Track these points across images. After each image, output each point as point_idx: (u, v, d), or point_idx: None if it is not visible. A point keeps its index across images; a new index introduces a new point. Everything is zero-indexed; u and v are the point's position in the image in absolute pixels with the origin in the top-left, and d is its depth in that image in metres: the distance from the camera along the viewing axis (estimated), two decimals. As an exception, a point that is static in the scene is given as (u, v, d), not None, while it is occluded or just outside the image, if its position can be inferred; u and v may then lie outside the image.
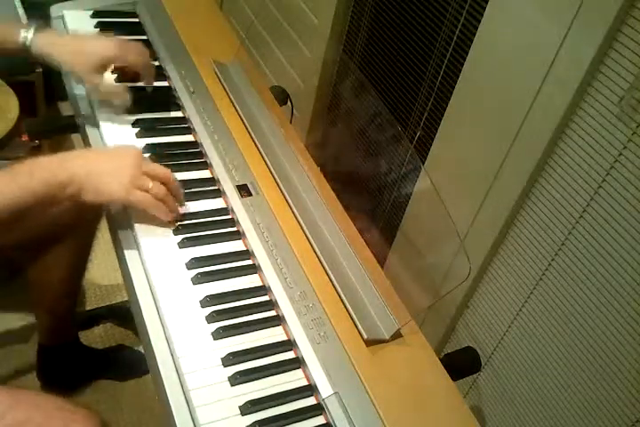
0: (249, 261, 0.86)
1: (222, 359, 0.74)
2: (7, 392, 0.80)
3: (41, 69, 1.71)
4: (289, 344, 0.78)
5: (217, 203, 0.92)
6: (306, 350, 0.76)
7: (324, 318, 0.79)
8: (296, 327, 0.78)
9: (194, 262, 0.83)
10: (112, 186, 0.80)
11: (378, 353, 0.78)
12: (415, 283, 1.11)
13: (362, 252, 0.90)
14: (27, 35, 0.92)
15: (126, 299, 1.58)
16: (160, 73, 1.10)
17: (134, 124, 0.99)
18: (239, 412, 0.70)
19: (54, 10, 1.17)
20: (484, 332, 1.06)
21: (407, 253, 1.20)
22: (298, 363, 0.76)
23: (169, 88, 1.09)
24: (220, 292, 0.80)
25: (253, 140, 1.00)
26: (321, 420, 0.72)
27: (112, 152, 0.88)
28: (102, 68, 0.95)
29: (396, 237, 1.23)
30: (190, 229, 0.86)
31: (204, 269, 0.82)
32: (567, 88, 0.79)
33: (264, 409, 0.71)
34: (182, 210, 0.88)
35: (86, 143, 0.98)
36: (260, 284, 0.83)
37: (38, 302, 1.30)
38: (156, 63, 1.12)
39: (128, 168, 0.81)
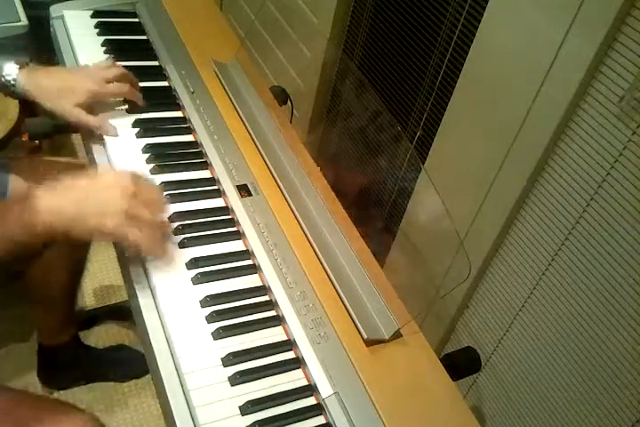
0: (249, 261, 0.85)
1: (222, 359, 0.74)
2: (8, 395, 0.80)
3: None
4: (289, 344, 0.78)
5: (217, 203, 0.92)
6: (306, 350, 0.76)
7: (324, 318, 0.79)
8: (296, 327, 0.78)
9: (194, 262, 0.83)
10: (100, 225, 0.74)
11: (378, 353, 0.78)
12: (415, 283, 1.11)
13: (362, 251, 0.90)
14: (11, 72, 0.90)
15: (126, 299, 1.58)
16: (160, 73, 1.11)
17: (134, 124, 0.99)
18: (239, 412, 0.70)
19: (54, 10, 1.17)
20: (483, 332, 1.06)
21: (407, 253, 1.20)
22: (298, 363, 0.76)
23: (169, 88, 1.09)
24: (220, 292, 0.80)
25: (253, 141, 1.00)
26: (321, 420, 0.72)
27: (98, 184, 0.78)
28: (86, 103, 0.93)
29: (395, 237, 1.22)
30: (190, 229, 0.87)
31: (204, 269, 0.82)
32: (567, 88, 0.79)
33: (264, 409, 0.71)
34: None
35: (86, 143, 0.98)
36: (260, 284, 0.83)
37: (38, 301, 1.30)
38: (156, 63, 1.13)
39: (117, 204, 0.75)
